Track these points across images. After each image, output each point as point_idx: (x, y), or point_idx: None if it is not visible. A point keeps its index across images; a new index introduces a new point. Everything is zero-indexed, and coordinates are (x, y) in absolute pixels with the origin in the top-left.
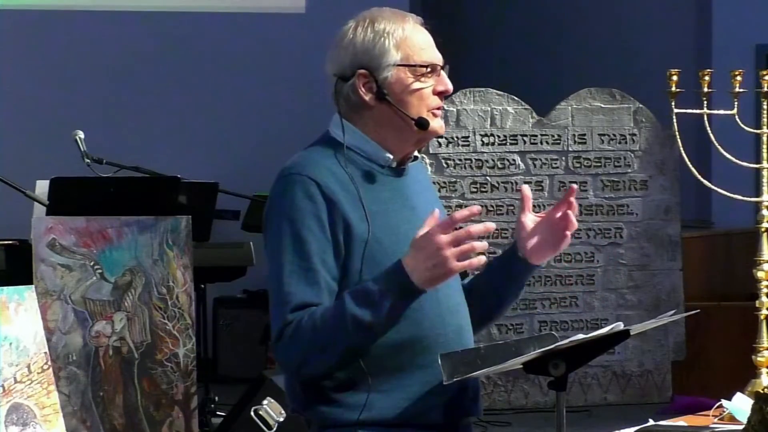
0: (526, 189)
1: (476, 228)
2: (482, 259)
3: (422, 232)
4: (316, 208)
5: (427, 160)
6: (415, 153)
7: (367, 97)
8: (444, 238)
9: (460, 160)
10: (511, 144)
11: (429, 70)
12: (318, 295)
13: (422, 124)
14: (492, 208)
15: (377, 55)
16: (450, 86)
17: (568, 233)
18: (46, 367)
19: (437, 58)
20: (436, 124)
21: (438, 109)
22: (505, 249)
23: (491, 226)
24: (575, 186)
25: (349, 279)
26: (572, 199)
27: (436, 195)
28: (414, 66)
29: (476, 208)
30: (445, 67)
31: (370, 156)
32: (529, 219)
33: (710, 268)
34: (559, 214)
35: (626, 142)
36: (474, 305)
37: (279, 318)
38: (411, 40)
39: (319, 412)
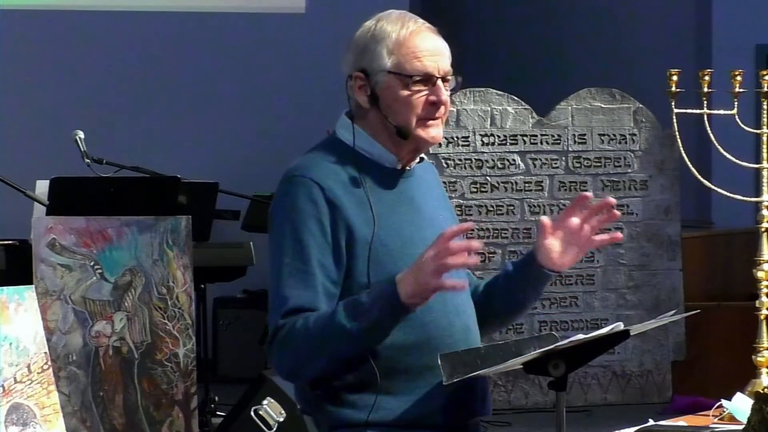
0: (546, 219)
1: (457, 245)
2: (476, 259)
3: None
4: (318, 211)
5: (427, 160)
6: (422, 154)
7: (361, 100)
8: (429, 252)
9: (460, 160)
10: (511, 144)
11: (420, 79)
12: (314, 299)
13: (402, 132)
14: (492, 208)
15: (372, 59)
16: (443, 97)
17: (594, 237)
18: (46, 367)
19: (434, 67)
20: (427, 134)
21: (432, 119)
22: (523, 257)
23: (470, 225)
24: (588, 194)
25: (355, 282)
26: (591, 203)
27: (444, 194)
28: (403, 75)
29: (466, 226)
30: (449, 80)
31: (375, 158)
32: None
33: (710, 268)
34: (576, 222)
35: (626, 142)
36: (491, 309)
37: (273, 320)
38: (406, 46)
39: (329, 412)
